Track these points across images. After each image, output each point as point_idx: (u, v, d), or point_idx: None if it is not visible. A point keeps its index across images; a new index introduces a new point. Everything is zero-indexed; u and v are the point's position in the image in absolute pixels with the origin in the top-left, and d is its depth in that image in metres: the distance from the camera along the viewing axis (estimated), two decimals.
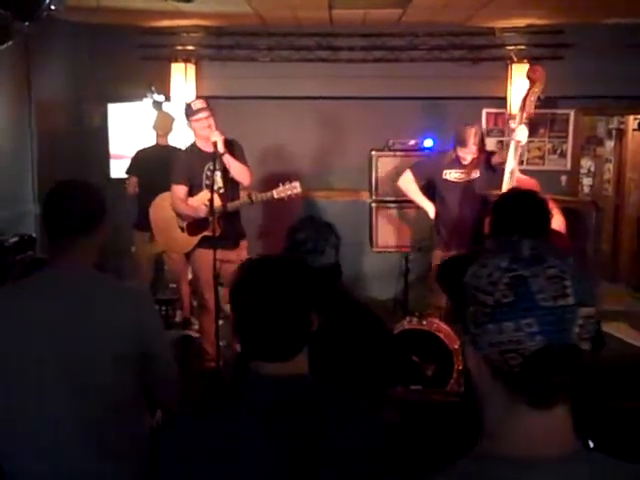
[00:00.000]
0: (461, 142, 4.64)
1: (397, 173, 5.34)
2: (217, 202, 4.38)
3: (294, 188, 4.45)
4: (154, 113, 6.03)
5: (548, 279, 0.94)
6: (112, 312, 1.94)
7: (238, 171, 4.47)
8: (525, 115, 4.27)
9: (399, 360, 2.61)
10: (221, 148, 4.35)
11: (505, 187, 4.25)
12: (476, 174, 4.66)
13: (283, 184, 4.46)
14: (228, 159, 4.41)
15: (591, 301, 0.96)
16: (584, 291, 0.95)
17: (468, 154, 4.65)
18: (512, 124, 4.45)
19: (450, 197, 4.72)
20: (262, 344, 1.51)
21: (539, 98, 4.37)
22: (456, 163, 4.70)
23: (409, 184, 4.92)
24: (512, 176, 4.23)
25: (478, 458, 1.00)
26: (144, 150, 5.87)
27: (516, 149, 4.26)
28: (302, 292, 1.55)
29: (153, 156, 5.68)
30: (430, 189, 4.94)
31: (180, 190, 4.54)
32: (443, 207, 4.78)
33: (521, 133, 4.23)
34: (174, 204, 4.59)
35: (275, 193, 4.47)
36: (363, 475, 1.46)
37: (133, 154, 5.91)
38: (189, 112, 4.49)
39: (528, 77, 4.38)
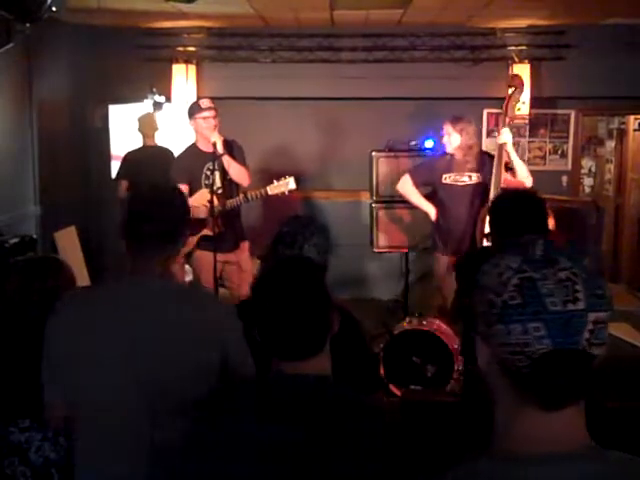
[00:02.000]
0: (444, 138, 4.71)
1: (398, 174, 5.34)
2: (205, 200, 4.41)
3: (288, 184, 4.44)
4: (138, 116, 5.99)
5: (558, 282, 0.93)
6: (194, 324, 1.85)
7: (237, 172, 4.49)
8: (508, 119, 4.51)
9: (376, 365, 2.60)
10: (220, 149, 4.36)
11: (492, 190, 4.35)
12: (479, 179, 4.62)
13: (277, 180, 4.47)
14: (227, 160, 4.42)
15: (603, 306, 0.94)
16: (596, 295, 0.94)
17: (451, 149, 4.66)
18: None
19: (450, 200, 4.69)
20: (284, 343, 1.53)
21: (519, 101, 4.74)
22: (454, 166, 4.69)
23: (408, 187, 4.91)
24: (498, 179, 4.30)
25: (488, 456, 1.00)
26: (132, 153, 5.85)
27: (500, 153, 4.40)
28: (321, 291, 1.58)
29: (142, 158, 5.67)
30: (433, 193, 4.93)
31: (182, 189, 4.55)
32: (443, 210, 4.76)
33: (504, 136, 4.41)
34: None
35: (269, 189, 4.47)
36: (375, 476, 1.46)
37: (121, 158, 5.89)
38: (196, 109, 4.49)
39: (510, 84, 4.66)
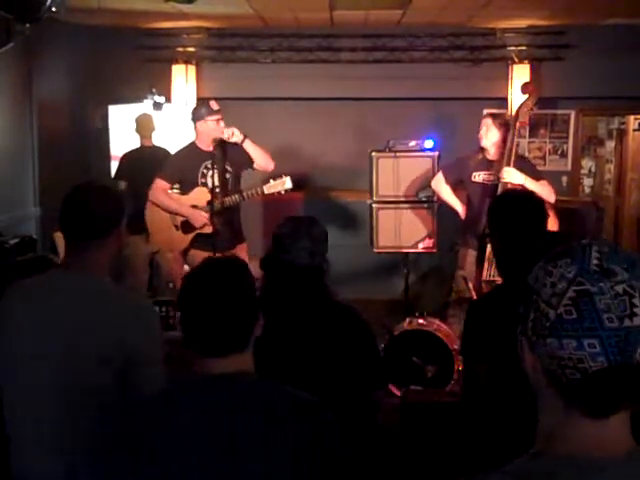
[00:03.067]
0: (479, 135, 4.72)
1: (398, 174, 5.35)
2: (205, 199, 4.44)
3: (284, 184, 4.44)
4: (135, 116, 5.99)
5: (615, 296, 0.90)
6: (104, 318, 1.92)
7: (261, 156, 4.49)
8: (519, 125, 4.55)
9: (382, 363, 2.60)
10: (239, 136, 4.38)
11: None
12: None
13: (274, 179, 4.47)
14: (249, 145, 4.44)
15: None
16: None
17: (488, 144, 4.66)
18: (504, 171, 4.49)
19: (479, 199, 4.68)
20: (205, 338, 1.55)
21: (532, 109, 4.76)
22: (484, 164, 4.69)
23: (441, 185, 4.94)
24: None
25: (534, 457, 0.99)
26: (130, 153, 5.84)
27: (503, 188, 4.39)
28: (246, 290, 1.61)
29: (139, 158, 5.67)
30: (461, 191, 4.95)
31: (162, 183, 4.55)
32: (472, 209, 4.78)
33: (508, 175, 4.43)
34: (154, 195, 4.57)
35: (265, 189, 4.46)
36: (313, 474, 1.46)
37: (119, 159, 5.89)
38: (207, 111, 4.47)
39: (524, 91, 4.73)
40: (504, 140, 4.62)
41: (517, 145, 4.57)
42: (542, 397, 1.00)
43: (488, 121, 4.67)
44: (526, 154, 6.76)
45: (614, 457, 0.95)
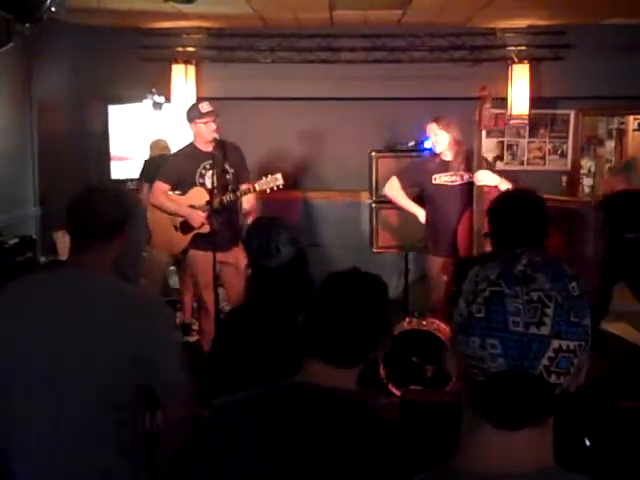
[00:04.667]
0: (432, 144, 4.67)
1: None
2: (204, 199, 4.45)
3: (276, 180, 4.44)
4: (149, 143, 5.99)
5: (528, 302, 0.89)
6: (112, 316, 1.93)
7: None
8: (483, 127, 4.46)
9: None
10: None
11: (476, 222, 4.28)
12: (470, 178, 4.51)
13: (266, 176, 4.47)
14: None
15: (575, 335, 0.90)
16: (570, 323, 0.90)
17: (442, 149, 4.61)
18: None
19: (441, 201, 4.63)
20: (337, 347, 1.55)
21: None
22: (442, 166, 4.64)
23: (395, 190, 4.82)
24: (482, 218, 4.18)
25: (441, 471, 0.98)
26: (151, 159, 5.85)
27: (480, 193, 4.32)
28: (382, 309, 1.64)
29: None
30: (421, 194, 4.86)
31: (162, 185, 4.57)
32: (434, 212, 4.69)
33: (481, 176, 4.36)
34: (154, 198, 4.60)
35: (257, 186, 4.47)
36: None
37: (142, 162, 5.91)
38: (196, 114, 4.50)
39: (480, 94, 4.59)
40: (455, 139, 4.58)
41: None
42: (463, 405, 0.98)
43: (433, 126, 4.59)
44: (526, 154, 6.78)
45: (514, 474, 0.92)
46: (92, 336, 1.89)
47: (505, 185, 4.36)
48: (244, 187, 4.55)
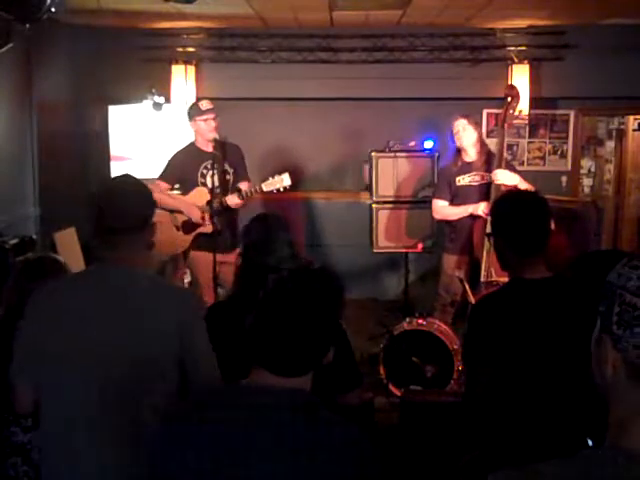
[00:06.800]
0: (453, 136, 4.68)
1: (397, 175, 5.36)
2: (205, 199, 4.45)
3: (282, 181, 4.41)
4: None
5: None
6: (152, 310, 1.95)
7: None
8: (508, 126, 4.58)
9: (350, 364, 2.55)
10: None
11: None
12: (488, 179, 4.54)
13: (272, 177, 4.44)
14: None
15: None
16: None
17: (467, 144, 4.62)
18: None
19: (461, 201, 4.63)
20: (281, 357, 1.45)
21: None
22: (465, 167, 4.66)
23: (442, 211, 4.78)
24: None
25: (603, 449, 1.02)
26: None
27: (497, 193, 4.28)
28: (332, 311, 1.54)
29: None
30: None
31: (162, 184, 4.58)
32: None
33: (502, 176, 4.40)
34: (157, 197, 4.61)
35: (264, 186, 4.44)
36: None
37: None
38: (196, 111, 4.50)
39: (507, 94, 4.69)
40: (480, 138, 4.64)
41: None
42: (619, 393, 1.02)
43: (463, 121, 4.61)
44: (526, 154, 6.78)
45: None
46: (145, 328, 1.92)
47: (524, 185, 4.37)
48: (249, 188, 4.53)
